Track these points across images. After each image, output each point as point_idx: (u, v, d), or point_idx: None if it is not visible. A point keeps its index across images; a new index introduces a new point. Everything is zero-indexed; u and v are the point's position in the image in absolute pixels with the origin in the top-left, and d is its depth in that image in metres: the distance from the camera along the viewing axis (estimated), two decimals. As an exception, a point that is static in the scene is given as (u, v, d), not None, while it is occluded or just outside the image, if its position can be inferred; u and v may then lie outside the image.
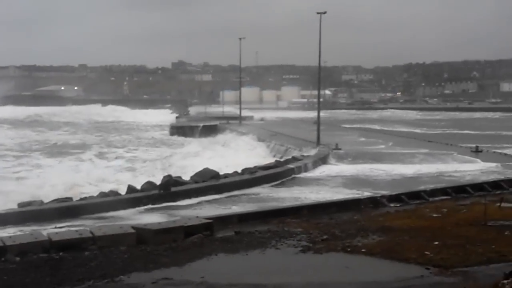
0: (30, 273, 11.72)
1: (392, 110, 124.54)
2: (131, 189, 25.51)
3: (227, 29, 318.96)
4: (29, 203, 22.92)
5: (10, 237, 14.24)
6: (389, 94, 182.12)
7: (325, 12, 41.13)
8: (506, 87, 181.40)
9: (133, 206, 22.91)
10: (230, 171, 30.53)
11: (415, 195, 22.85)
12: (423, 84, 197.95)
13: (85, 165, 39.08)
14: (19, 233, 17.22)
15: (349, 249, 13.97)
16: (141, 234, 14.80)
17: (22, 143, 57.83)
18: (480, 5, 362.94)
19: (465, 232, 15.61)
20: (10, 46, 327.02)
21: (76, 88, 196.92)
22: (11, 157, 45.40)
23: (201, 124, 68.73)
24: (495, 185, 25.05)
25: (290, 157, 35.96)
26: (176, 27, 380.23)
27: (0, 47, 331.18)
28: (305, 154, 36.92)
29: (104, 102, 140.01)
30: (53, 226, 19.22)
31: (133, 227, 15.26)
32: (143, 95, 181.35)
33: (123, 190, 25.50)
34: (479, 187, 24.55)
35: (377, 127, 69.46)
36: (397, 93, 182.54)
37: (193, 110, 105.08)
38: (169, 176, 28.32)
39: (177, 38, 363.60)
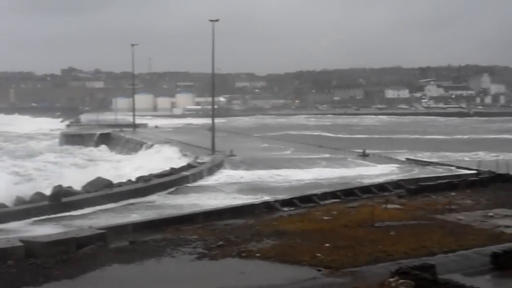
0: None
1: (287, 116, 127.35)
2: (19, 200, 24.49)
3: (120, 35, 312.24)
4: None
5: None
6: (282, 101, 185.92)
7: (217, 20, 41.57)
8: (390, 93, 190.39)
9: (23, 218, 22.00)
10: (123, 180, 30.06)
11: (307, 199, 23.52)
12: (313, 91, 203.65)
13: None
14: None
15: (244, 254, 14.20)
16: (30, 247, 14.25)
17: None
18: (365, 15, 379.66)
19: (354, 233, 16.30)
20: None
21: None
22: None
23: (98, 132, 66.26)
24: (381, 187, 26.29)
25: (185, 164, 35.89)
26: (66, 32, 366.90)
27: None
28: (200, 161, 36.95)
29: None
30: None
31: (21, 240, 14.67)
32: (32, 103, 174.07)
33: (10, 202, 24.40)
34: (366, 190, 25.65)
35: (276, 133, 70.50)
36: (296, 101, 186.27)
37: (84, 118, 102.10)
38: (60, 186, 27.46)
39: (67, 44, 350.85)
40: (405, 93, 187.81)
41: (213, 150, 41.40)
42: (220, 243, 15.49)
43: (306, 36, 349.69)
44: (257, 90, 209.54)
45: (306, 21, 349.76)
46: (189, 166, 34.45)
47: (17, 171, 39.03)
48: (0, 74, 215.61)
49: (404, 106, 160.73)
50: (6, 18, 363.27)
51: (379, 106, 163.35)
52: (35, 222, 21.72)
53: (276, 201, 22.85)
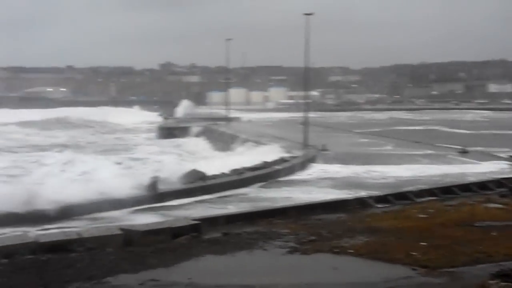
0: (17, 275, 11.67)
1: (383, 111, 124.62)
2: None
3: (215, 30, 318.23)
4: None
5: (-2, 239, 14.15)
6: (376, 95, 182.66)
7: (312, 14, 41.37)
8: (492, 88, 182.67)
9: (122, 208, 22.90)
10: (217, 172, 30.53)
11: (402, 196, 22.94)
12: (410, 85, 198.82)
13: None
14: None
15: (336, 250, 14.01)
16: (128, 236, 14.74)
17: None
18: (467, 7, 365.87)
19: (451, 232, 15.69)
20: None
21: (63, 89, 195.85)
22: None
23: (193, 126, 67.62)
24: (482, 185, 25.22)
25: (277, 157, 36.00)
26: (164, 28, 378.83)
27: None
28: (292, 155, 36.96)
29: (92, 104, 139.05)
30: (40, 228, 19.16)
31: (120, 228, 15.20)
32: (130, 97, 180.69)
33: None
34: (466, 188, 24.70)
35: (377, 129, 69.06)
36: (395, 96, 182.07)
37: (179, 112, 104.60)
38: (156, 177, 28.27)
39: (164, 40, 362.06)
40: (509, 87, 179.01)
41: (305, 144, 41.30)
42: (312, 238, 15.37)
43: (404, 28, 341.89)
44: (353, 85, 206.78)
45: (404, 13, 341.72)
46: (281, 160, 34.51)
47: (118, 162, 40.44)
48: (102, 69, 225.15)
49: (508, 101, 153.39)
50: (108, 16, 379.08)
51: (480, 100, 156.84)
52: (135, 212, 22.53)
53: (369, 197, 22.43)
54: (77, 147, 53.69)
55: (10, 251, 13.12)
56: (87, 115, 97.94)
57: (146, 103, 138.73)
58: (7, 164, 39.32)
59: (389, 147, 43.37)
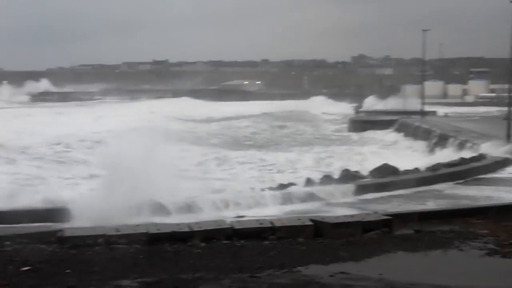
0: (214, 259, 12.27)
1: None
2: (309, 182, 25.86)
3: (410, 21, 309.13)
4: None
5: (196, 223, 15.03)
6: None
7: (519, -1, 38.34)
8: None
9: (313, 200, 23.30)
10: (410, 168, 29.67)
11: None
12: None
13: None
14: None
15: (542, 256, 12.81)
16: (318, 227, 14.82)
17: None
18: None
19: None
20: (198, 42, 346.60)
21: (258, 82, 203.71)
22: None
23: (387, 119, 66.28)
24: None
25: (476, 154, 34.03)
26: (358, 20, 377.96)
27: (189, 44, 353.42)
28: (492, 151, 34.69)
29: (285, 97, 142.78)
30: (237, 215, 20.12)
31: (311, 220, 15.34)
32: (322, 89, 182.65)
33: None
34: None
35: None
36: None
37: (369, 104, 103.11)
38: (347, 170, 28.26)
39: (358, 32, 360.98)
40: None
41: (508, 140, 38.55)
42: (513, 241, 14.23)
43: None
44: None
45: None
46: (480, 157, 32.58)
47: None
48: (296, 61, 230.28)
49: None
50: (300, 10, 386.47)
51: None
52: (327, 204, 22.72)
53: None
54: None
55: (208, 236, 13.87)
56: (289, 108, 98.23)
57: (338, 96, 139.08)
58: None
59: None
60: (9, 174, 31.71)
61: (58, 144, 45.68)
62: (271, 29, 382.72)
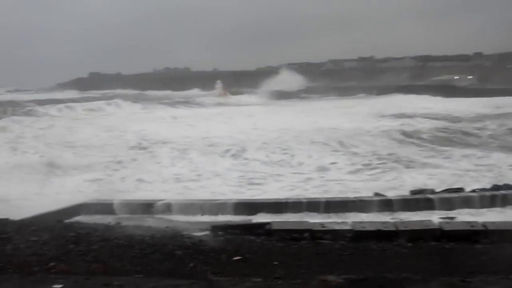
0: (421, 260, 11.87)
1: None
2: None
3: None
4: (421, 191, 23.41)
5: (402, 222, 14.68)
6: None
7: None
8: None
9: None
10: None
11: None
12: None
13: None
14: (412, 218, 17.75)
15: None
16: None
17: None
18: None
19: None
20: (405, 38, 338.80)
21: (469, 77, 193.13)
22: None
23: None
24: None
25: None
26: None
27: (396, 40, 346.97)
28: None
29: (498, 93, 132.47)
30: (443, 216, 19.27)
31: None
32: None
33: None
34: None
35: None
36: None
37: None
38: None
39: None
40: None
41: None
42: None
43: None
44: None
45: None
46: None
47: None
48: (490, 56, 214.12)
49: None
50: None
51: None
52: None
53: None
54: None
55: (414, 236, 13.44)
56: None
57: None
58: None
59: None
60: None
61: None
62: (484, 20, 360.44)
